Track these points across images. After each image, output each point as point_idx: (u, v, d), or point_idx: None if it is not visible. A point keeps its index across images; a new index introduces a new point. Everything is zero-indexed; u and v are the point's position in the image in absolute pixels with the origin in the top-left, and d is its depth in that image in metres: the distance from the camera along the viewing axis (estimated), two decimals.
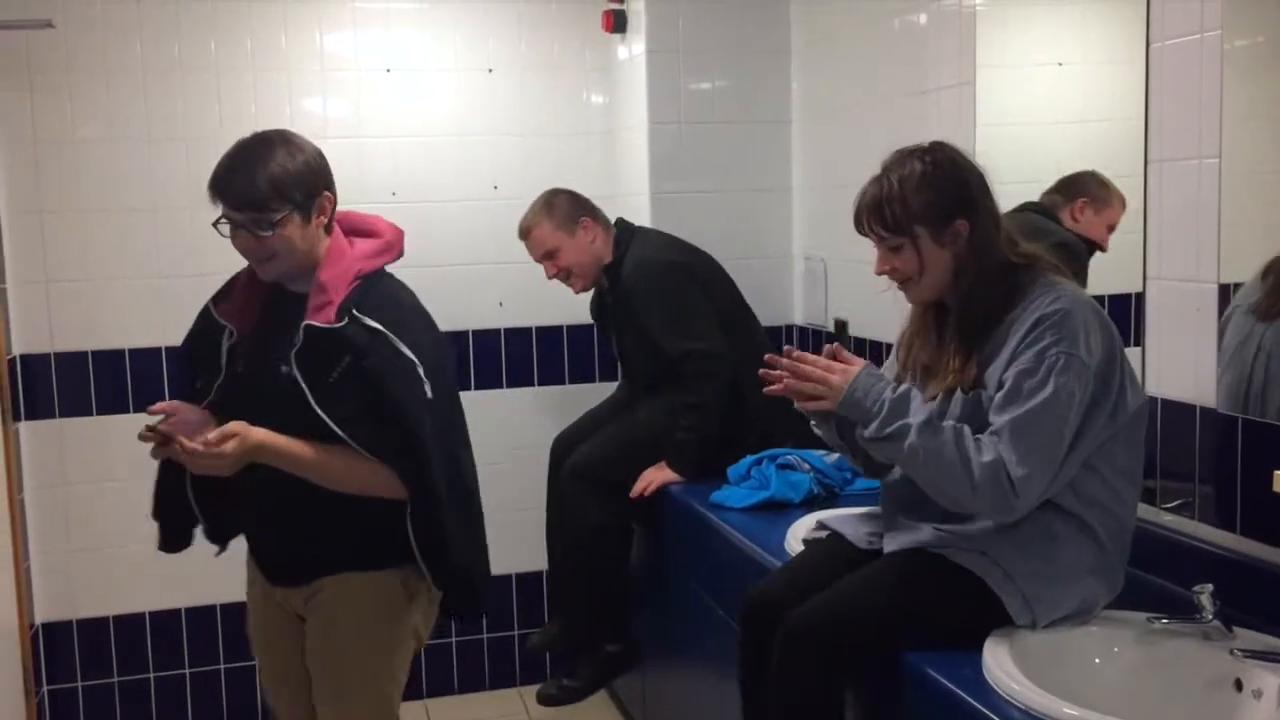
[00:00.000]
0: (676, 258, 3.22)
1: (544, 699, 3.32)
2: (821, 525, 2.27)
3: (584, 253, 3.23)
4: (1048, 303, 1.86)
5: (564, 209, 3.24)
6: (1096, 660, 1.85)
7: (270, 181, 2.08)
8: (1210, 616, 1.79)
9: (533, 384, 3.99)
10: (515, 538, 3.60)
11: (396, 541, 2.17)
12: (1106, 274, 2.34)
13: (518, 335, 3.97)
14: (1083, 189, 2.52)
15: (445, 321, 3.82)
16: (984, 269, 1.93)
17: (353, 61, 3.73)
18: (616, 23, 3.76)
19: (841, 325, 3.37)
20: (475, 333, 3.93)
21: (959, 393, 1.91)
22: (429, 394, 2.13)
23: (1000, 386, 1.85)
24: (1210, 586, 1.80)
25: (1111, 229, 2.45)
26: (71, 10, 3.46)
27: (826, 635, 1.90)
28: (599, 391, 3.76)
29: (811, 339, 3.59)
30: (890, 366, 2.14)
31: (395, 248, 2.34)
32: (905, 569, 1.96)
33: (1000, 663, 1.74)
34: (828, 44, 3.46)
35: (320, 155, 2.19)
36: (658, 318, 3.10)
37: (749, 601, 2.13)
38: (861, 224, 2.00)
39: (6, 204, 3.48)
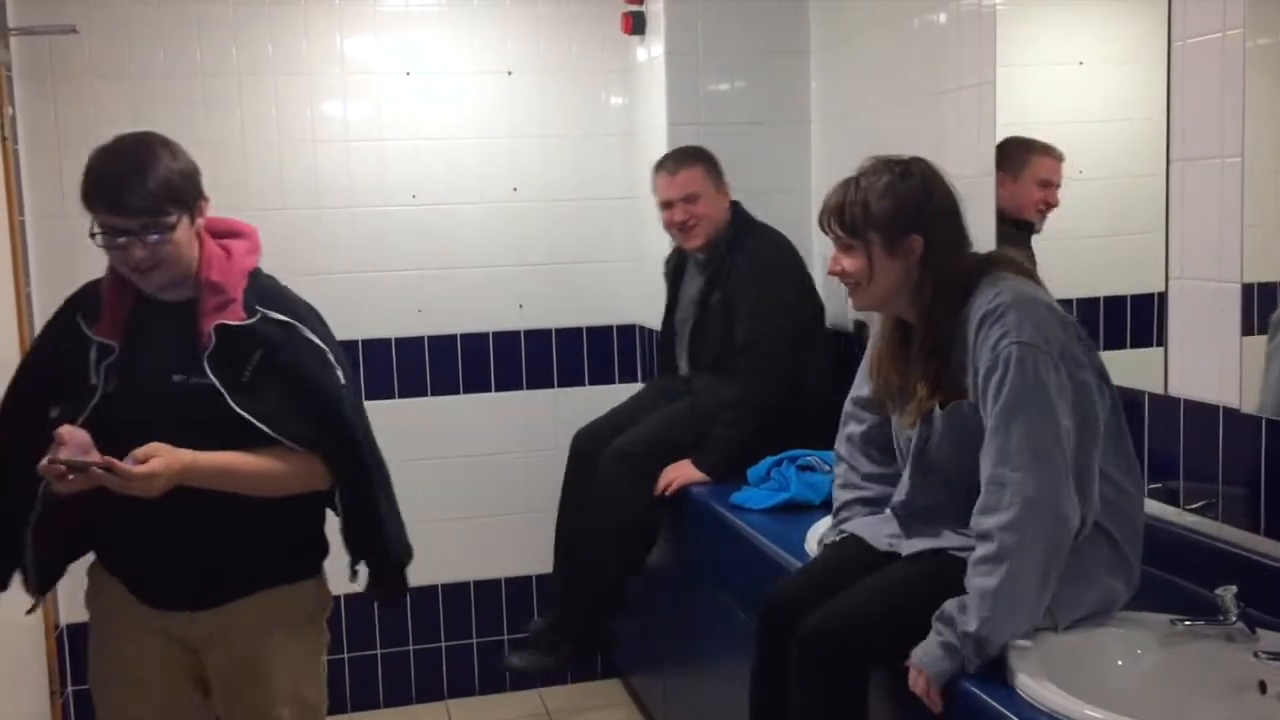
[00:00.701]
0: (791, 259, 3.25)
1: (510, 666, 3.36)
2: (840, 528, 2.27)
3: (719, 211, 3.23)
4: (989, 300, 1.87)
5: (713, 164, 3.25)
6: (1119, 662, 1.84)
7: (162, 185, 1.97)
8: (1234, 618, 1.78)
9: (552, 385, 4.00)
10: (537, 539, 3.60)
11: (313, 547, 2.17)
12: (1128, 274, 2.33)
13: (537, 337, 3.98)
14: (998, 165, 2.53)
15: (465, 323, 3.90)
16: (939, 288, 1.94)
17: (373, 65, 3.75)
18: (635, 24, 3.77)
19: (860, 326, 3.36)
20: (495, 334, 3.94)
21: (936, 411, 1.93)
22: (342, 379, 2.11)
23: (975, 388, 1.86)
24: (1234, 588, 1.79)
25: (1050, 184, 2.47)
26: (95, 15, 3.49)
27: (844, 639, 1.90)
28: (619, 393, 3.76)
29: (832, 341, 3.58)
30: (860, 385, 2.18)
31: (260, 245, 2.24)
32: (923, 572, 1.95)
33: (1023, 665, 1.73)
34: (847, 44, 3.46)
35: (191, 156, 2.10)
36: (752, 299, 3.10)
37: (766, 603, 2.13)
38: (823, 222, 2.04)
39: (31, 208, 3.51)
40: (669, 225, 3.25)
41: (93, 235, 2.01)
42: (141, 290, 2.08)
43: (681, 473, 3.10)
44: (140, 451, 1.93)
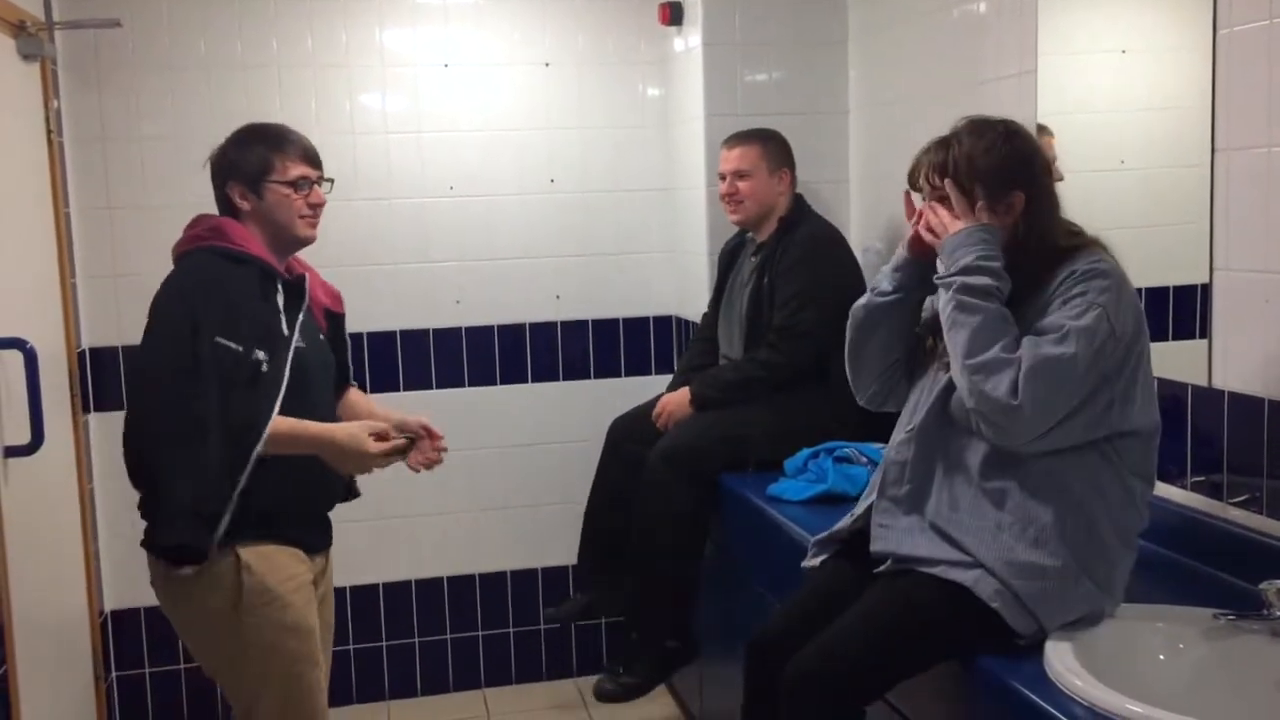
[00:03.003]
0: (841, 250, 3.28)
1: (602, 695, 3.31)
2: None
3: (769, 193, 3.26)
4: (1090, 260, 1.86)
5: (777, 148, 3.29)
6: (1161, 657, 1.82)
7: None
8: (1278, 613, 1.76)
9: (589, 376, 4.01)
10: (574, 530, 3.61)
11: None
12: (1171, 265, 2.31)
13: (574, 328, 3.99)
14: None
15: (502, 314, 3.91)
16: (1031, 249, 1.92)
17: (412, 57, 3.77)
18: (673, 15, 3.77)
19: None
20: (532, 326, 3.95)
21: None
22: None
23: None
24: (1278, 582, 1.77)
25: (1053, 161, 2.44)
26: (138, 9, 3.53)
27: (829, 680, 1.88)
28: (655, 384, 3.77)
29: None
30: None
31: None
32: (900, 599, 1.92)
33: (1063, 658, 1.72)
34: (885, 34, 3.44)
35: None
36: (795, 285, 3.12)
37: (753, 644, 2.14)
38: (918, 175, 2.02)
39: (76, 200, 3.55)
40: (720, 196, 3.32)
41: (293, 184, 2.41)
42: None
43: (671, 401, 3.24)
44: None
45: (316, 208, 2.45)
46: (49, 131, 3.34)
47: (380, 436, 2.35)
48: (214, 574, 2.31)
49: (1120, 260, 1.92)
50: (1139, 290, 2.29)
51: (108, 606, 3.68)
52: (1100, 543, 1.87)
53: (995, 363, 1.81)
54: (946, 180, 1.95)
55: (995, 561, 1.85)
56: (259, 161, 2.40)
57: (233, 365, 2.27)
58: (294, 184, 2.41)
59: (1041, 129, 2.53)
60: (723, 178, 3.30)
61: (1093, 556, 1.86)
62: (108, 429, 3.63)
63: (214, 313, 2.27)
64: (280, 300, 2.40)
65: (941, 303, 1.92)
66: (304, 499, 2.45)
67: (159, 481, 2.28)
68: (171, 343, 2.26)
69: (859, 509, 2.15)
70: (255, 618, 2.32)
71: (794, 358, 3.10)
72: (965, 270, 1.88)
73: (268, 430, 2.27)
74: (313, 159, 2.46)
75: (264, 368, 2.30)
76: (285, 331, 2.37)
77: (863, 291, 3.22)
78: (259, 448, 2.26)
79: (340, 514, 2.53)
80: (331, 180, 2.51)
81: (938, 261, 1.97)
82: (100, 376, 3.61)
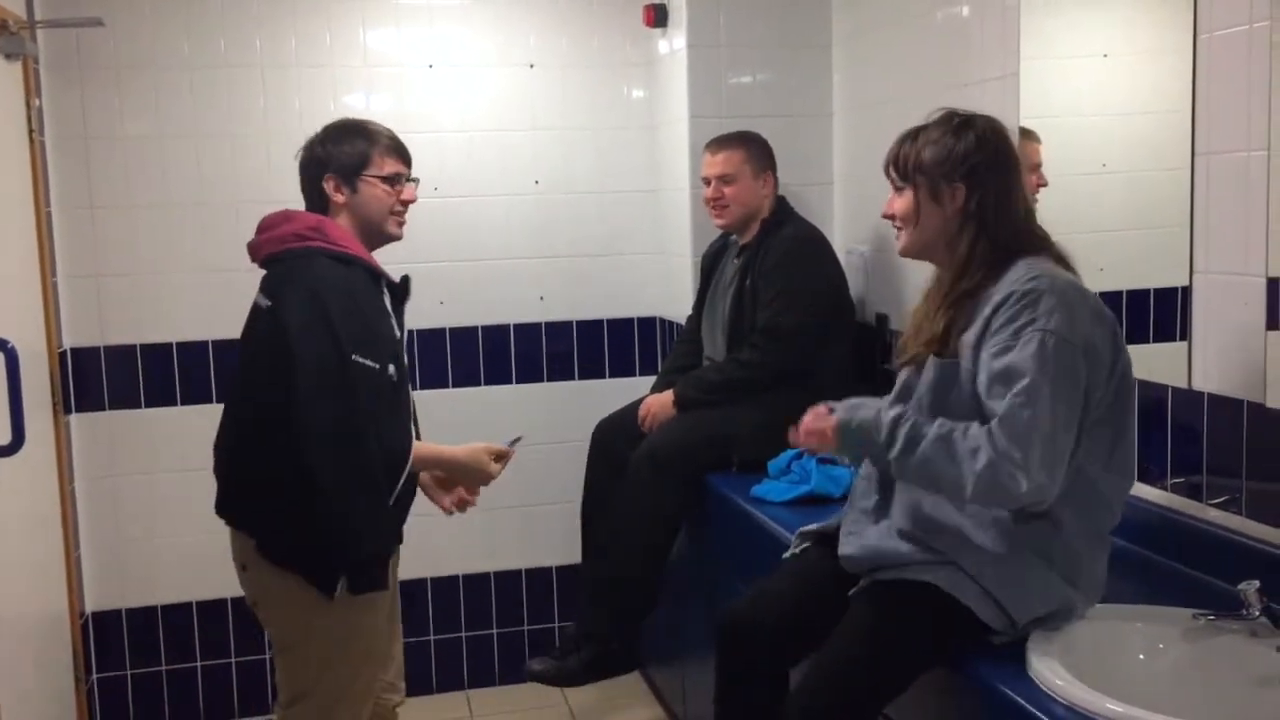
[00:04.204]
0: (824, 252, 3.27)
1: (532, 674, 3.27)
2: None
3: (753, 197, 3.26)
4: (1024, 280, 1.86)
5: (760, 151, 3.29)
6: (1141, 656, 1.83)
7: None
8: (1257, 613, 1.77)
9: (573, 378, 4.01)
10: (555, 531, 3.62)
11: None
12: (1151, 268, 2.32)
13: (559, 329, 3.99)
14: None
15: (486, 315, 3.91)
16: (975, 243, 1.94)
17: (396, 57, 3.77)
18: (657, 17, 3.78)
19: (882, 320, 3.35)
20: (516, 326, 3.95)
21: (932, 358, 1.94)
22: None
23: (975, 360, 1.86)
24: (1257, 583, 1.78)
25: (1037, 167, 2.50)
26: (120, 8, 3.51)
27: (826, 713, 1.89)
28: (640, 385, 3.77)
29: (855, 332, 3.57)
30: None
31: None
32: (873, 619, 1.93)
33: (1044, 658, 1.73)
34: (869, 37, 3.45)
35: None
36: (779, 286, 3.12)
37: (721, 624, 2.18)
38: (884, 166, 2.06)
39: (58, 199, 3.54)
40: (705, 201, 3.32)
41: (390, 180, 2.43)
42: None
43: (655, 403, 3.25)
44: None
45: (407, 204, 2.48)
46: (30, 130, 3.33)
47: (496, 456, 2.53)
48: None
49: (1082, 269, 1.95)
50: (1120, 294, 2.33)
51: (89, 608, 3.66)
52: (1064, 537, 1.87)
53: (981, 475, 1.78)
54: (891, 170, 2.02)
55: (962, 555, 1.87)
56: (357, 155, 2.40)
57: (373, 385, 2.25)
58: (389, 179, 2.43)
59: (1027, 133, 2.55)
60: (707, 182, 3.29)
61: (1056, 551, 1.87)
62: (89, 429, 3.62)
63: (350, 328, 2.23)
64: (387, 301, 2.40)
65: (894, 471, 1.93)
66: (402, 508, 2.44)
67: (340, 526, 2.24)
68: (328, 374, 2.21)
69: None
70: (356, 620, 2.35)
71: (777, 358, 3.11)
72: (884, 449, 1.90)
73: (412, 457, 2.34)
74: (406, 157, 2.48)
75: (395, 381, 2.32)
76: (396, 335, 2.39)
77: (845, 292, 3.27)
78: (405, 474, 2.33)
79: None
80: (418, 180, 2.54)
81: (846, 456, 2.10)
82: (81, 377, 3.60)
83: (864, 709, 1.91)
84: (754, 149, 3.28)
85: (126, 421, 3.65)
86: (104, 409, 3.64)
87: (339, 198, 2.41)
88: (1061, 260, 1.96)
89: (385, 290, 2.41)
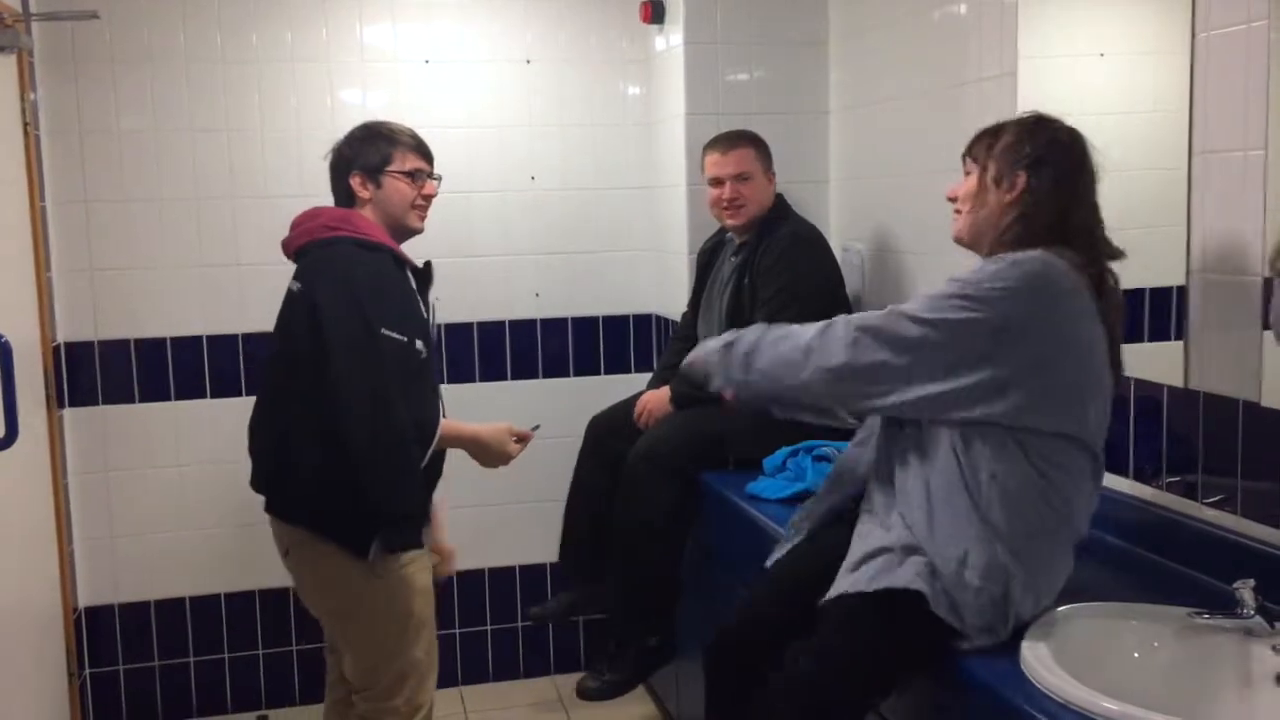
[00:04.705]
0: (822, 250, 3.28)
1: (585, 694, 3.30)
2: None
3: (765, 195, 3.27)
4: (1016, 256, 1.87)
5: (765, 149, 3.30)
6: (1136, 655, 1.83)
7: None
8: (1252, 612, 1.77)
9: (568, 374, 4.01)
10: (552, 527, 3.61)
11: None
12: (1148, 267, 2.32)
13: (554, 326, 3.99)
14: None
15: (481, 311, 3.91)
16: (1011, 226, 1.95)
17: (392, 53, 3.76)
18: (654, 14, 3.77)
19: None
20: (511, 323, 3.94)
21: None
22: None
23: None
24: (1252, 581, 1.79)
25: None
26: (116, 2, 3.50)
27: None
28: (635, 382, 3.77)
29: None
30: None
31: None
32: (845, 633, 1.93)
33: (1038, 657, 1.73)
34: (866, 35, 3.45)
35: None
36: (776, 283, 3.12)
37: (710, 644, 2.22)
38: (964, 151, 2.09)
39: (52, 193, 3.53)
40: (716, 202, 3.27)
41: (412, 175, 2.60)
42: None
43: (652, 400, 3.25)
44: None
45: (428, 199, 2.65)
46: (25, 124, 3.32)
47: (517, 437, 2.72)
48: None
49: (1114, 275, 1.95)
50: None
51: (81, 603, 3.65)
52: (1002, 544, 1.86)
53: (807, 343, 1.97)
54: (967, 157, 2.05)
55: (929, 553, 1.90)
56: (381, 153, 2.59)
57: (404, 358, 2.42)
58: (410, 175, 2.61)
59: None
60: (717, 183, 3.25)
61: (1001, 559, 1.86)
62: (82, 424, 3.61)
63: (378, 304, 2.41)
64: (413, 284, 2.57)
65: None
66: (429, 480, 2.62)
67: (372, 482, 2.38)
68: (358, 346, 2.38)
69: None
70: (397, 581, 2.51)
71: None
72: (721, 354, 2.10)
73: (440, 429, 2.53)
74: (426, 154, 2.66)
75: (423, 357, 2.48)
76: (424, 315, 2.55)
77: (842, 290, 3.26)
78: (434, 445, 2.50)
79: None
80: (440, 177, 2.69)
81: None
82: (75, 371, 3.59)
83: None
84: (761, 147, 3.29)
85: (120, 416, 3.64)
86: (98, 403, 3.63)
87: (364, 193, 2.59)
88: (1098, 269, 1.92)
89: (410, 276, 2.57)
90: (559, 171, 3.92)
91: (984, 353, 1.84)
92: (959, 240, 2.07)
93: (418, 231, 2.66)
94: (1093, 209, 1.98)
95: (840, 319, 1.97)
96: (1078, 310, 1.88)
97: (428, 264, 2.64)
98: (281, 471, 2.52)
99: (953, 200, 2.07)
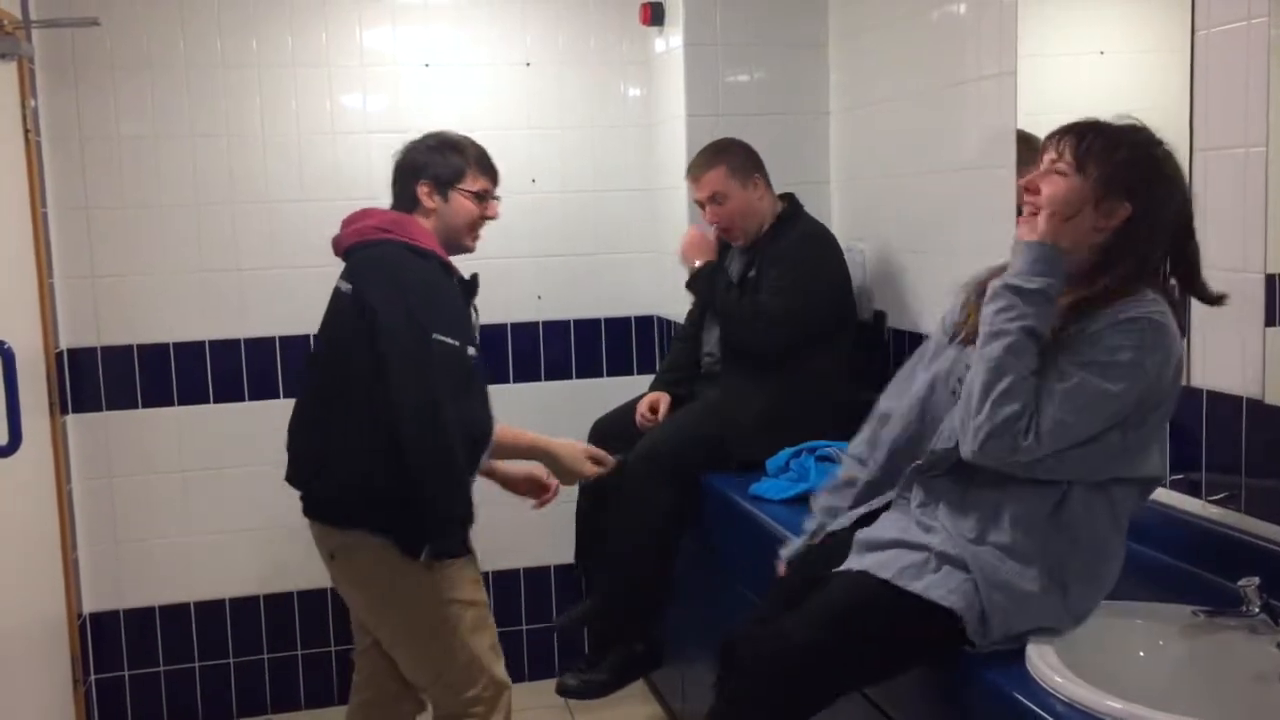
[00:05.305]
0: (832, 251, 3.24)
1: (563, 690, 3.28)
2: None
3: (751, 206, 3.20)
4: (1146, 307, 1.79)
5: (739, 159, 3.20)
6: (1141, 653, 1.83)
7: None
8: (1256, 610, 1.77)
9: (570, 377, 4.01)
10: (555, 531, 3.61)
11: None
12: None
13: (555, 328, 3.99)
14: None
15: (483, 314, 3.86)
16: (1110, 268, 1.82)
17: (392, 56, 3.76)
18: (654, 16, 3.77)
19: (880, 316, 3.36)
20: (513, 326, 3.94)
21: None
22: None
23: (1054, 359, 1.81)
24: (1257, 579, 1.78)
25: None
26: (116, 8, 3.50)
27: (779, 662, 1.86)
28: (637, 384, 3.77)
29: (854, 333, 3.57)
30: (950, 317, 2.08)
31: None
32: (855, 613, 1.88)
33: (1043, 655, 1.73)
34: (866, 35, 3.45)
35: None
36: (786, 272, 3.09)
37: (722, 647, 2.13)
38: (1054, 139, 1.88)
39: (53, 200, 3.53)
40: (710, 223, 3.26)
41: (479, 195, 2.62)
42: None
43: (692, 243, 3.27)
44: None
45: (489, 220, 2.67)
46: (26, 130, 3.32)
47: (594, 459, 2.75)
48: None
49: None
50: None
51: (86, 609, 3.65)
52: (1080, 558, 1.85)
53: (1017, 387, 1.77)
54: (1066, 148, 1.84)
55: (987, 573, 1.83)
56: (453, 168, 2.60)
57: (455, 363, 2.41)
58: (478, 195, 2.62)
59: (1027, 139, 2.53)
60: (702, 206, 3.23)
61: (1070, 572, 1.84)
62: (86, 430, 3.62)
63: (429, 309, 2.41)
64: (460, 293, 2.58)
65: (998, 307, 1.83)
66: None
67: (425, 488, 2.39)
68: (412, 352, 2.37)
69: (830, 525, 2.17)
70: (441, 576, 2.50)
71: (761, 339, 3.08)
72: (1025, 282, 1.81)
73: (494, 437, 2.53)
74: (495, 176, 2.67)
75: (473, 362, 2.47)
76: (474, 321, 2.56)
77: (849, 294, 3.24)
78: (487, 453, 2.51)
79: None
80: (500, 198, 2.71)
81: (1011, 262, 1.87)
82: (78, 377, 3.59)
83: (817, 682, 1.87)
84: (732, 160, 3.19)
85: (123, 422, 3.64)
86: (101, 409, 3.63)
87: (429, 203, 2.59)
88: (1175, 306, 1.87)
89: (457, 286, 2.57)
90: (559, 174, 3.92)
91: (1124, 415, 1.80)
92: (1032, 237, 1.85)
93: (469, 250, 2.65)
94: (1195, 250, 1.88)
95: (1019, 410, 1.78)
96: (1179, 362, 1.85)
97: (474, 276, 2.62)
98: (328, 473, 2.50)
99: (1030, 192, 1.86)
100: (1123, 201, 1.81)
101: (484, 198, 2.64)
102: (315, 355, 2.69)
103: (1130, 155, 1.81)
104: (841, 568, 1.95)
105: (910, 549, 1.89)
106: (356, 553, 2.50)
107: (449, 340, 2.40)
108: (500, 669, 2.64)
